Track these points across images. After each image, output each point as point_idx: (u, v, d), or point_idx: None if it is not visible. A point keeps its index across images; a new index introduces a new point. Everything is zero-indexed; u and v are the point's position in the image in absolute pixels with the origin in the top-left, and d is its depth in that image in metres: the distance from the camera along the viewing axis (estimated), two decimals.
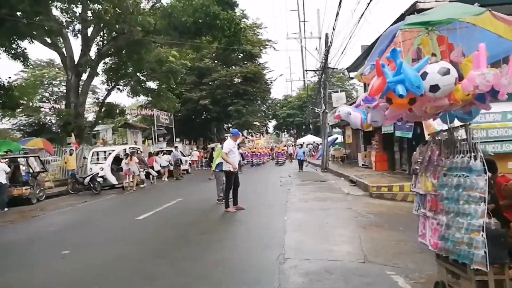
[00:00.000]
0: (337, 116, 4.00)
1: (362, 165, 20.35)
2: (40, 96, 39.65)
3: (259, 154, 31.72)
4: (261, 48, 44.27)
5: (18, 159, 14.57)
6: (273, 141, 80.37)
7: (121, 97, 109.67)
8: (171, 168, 21.53)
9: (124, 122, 31.98)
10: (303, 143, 36.89)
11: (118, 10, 16.97)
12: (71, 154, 17.86)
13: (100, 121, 26.20)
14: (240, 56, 43.53)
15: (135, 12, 16.68)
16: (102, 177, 16.89)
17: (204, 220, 8.51)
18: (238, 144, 41.62)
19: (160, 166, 20.72)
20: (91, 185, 15.90)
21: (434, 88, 3.00)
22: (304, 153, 25.24)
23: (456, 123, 3.90)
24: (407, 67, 3.06)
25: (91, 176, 16.12)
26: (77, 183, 16.45)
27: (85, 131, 23.72)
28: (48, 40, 22.51)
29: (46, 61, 41.46)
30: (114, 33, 20.61)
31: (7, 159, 13.06)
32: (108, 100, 26.65)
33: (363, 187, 12.65)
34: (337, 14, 14.93)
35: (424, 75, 3.03)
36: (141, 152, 21.53)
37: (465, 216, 3.16)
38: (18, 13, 18.12)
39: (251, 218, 8.38)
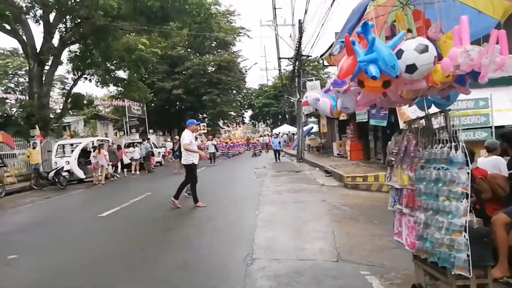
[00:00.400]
0: (305, 103, 3.58)
1: (338, 154, 20.20)
2: (5, 87, 37.81)
3: (233, 145, 31.14)
4: (235, 36, 43.50)
5: None
6: (250, 131, 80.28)
7: (93, 88, 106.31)
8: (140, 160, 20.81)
9: (94, 114, 30.76)
10: (279, 133, 36.52)
11: None
12: (34, 148, 16.90)
13: (67, 113, 25.02)
14: (213, 44, 42.66)
15: None
16: (68, 171, 16.10)
17: (171, 216, 8.02)
18: (213, 135, 40.49)
19: (131, 159, 19.96)
20: (56, 180, 15.09)
21: (411, 68, 2.60)
22: (280, 143, 24.76)
23: (433, 110, 3.57)
24: (380, 44, 2.65)
25: (55, 170, 15.30)
26: (41, 178, 15.60)
27: (51, 123, 22.65)
28: (7, 27, 21.22)
29: (9, 49, 39.48)
30: (77, 18, 19.47)
31: None
32: (80, 91, 25.51)
33: (338, 178, 12.42)
34: None
35: (399, 53, 2.63)
36: (112, 144, 20.73)
37: (445, 214, 2.81)
38: None
39: (221, 214, 7.94)
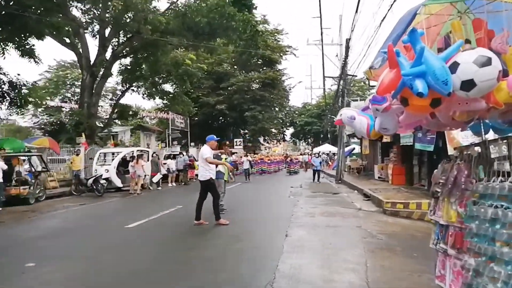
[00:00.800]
0: (338, 121, 3.19)
1: (379, 177, 19.29)
2: (62, 96, 40.04)
3: (269, 161, 30.35)
4: (281, 54, 43.61)
5: (20, 158, 14.22)
6: (290, 149, 79.63)
7: (141, 100, 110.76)
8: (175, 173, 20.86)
9: (138, 125, 31.64)
10: (320, 152, 35.63)
11: (127, 7, 16.42)
12: (77, 154, 17.45)
13: (114, 123, 25.86)
14: (259, 62, 42.96)
15: (146, 10, 16.17)
16: (107, 179, 16.43)
17: (197, 233, 7.75)
18: (254, 151, 40.15)
19: (167, 170, 20.06)
20: (94, 187, 15.40)
21: (468, 84, 2.17)
22: (321, 163, 23.47)
23: (490, 135, 3.06)
24: (430, 55, 2.24)
25: (94, 177, 15.63)
26: (80, 185, 15.98)
27: (97, 131, 23.45)
28: (67, 40, 22.45)
29: (70, 62, 41.82)
30: (128, 33, 20.21)
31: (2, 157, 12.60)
32: (129, 102, 26.44)
33: (376, 202, 11.69)
34: (356, 10, 14.05)
35: (454, 67, 2.20)
36: (156, 155, 21.01)
37: (503, 264, 2.29)
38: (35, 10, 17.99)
39: (249, 234, 7.57)
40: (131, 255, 6.22)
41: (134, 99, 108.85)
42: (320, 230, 7.94)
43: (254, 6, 21.80)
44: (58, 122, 36.94)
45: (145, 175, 18.14)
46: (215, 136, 9.01)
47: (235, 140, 31.49)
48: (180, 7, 18.49)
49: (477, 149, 2.88)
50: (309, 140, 66.71)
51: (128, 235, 7.78)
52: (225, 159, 10.60)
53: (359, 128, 3.00)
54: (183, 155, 21.76)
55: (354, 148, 32.80)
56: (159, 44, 21.20)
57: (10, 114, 20.36)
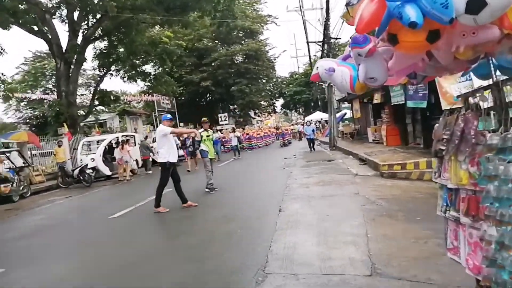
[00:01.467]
0: (315, 76, 2.65)
1: (373, 140, 18.89)
2: (44, 88, 38.83)
3: (258, 136, 28.83)
4: (262, 24, 42.40)
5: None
6: (283, 120, 78.97)
7: (127, 85, 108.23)
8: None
9: (122, 109, 30.81)
10: (311, 120, 34.91)
11: None
12: (59, 146, 16.79)
13: (96, 109, 25.04)
14: (240, 34, 41.80)
15: None
16: (93, 168, 15.89)
17: (184, 217, 7.29)
18: (245, 125, 38.83)
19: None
20: (81, 177, 14.86)
21: (477, 4, 1.62)
22: (313, 131, 21.90)
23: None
24: None
25: (79, 168, 15.07)
26: (66, 176, 15.44)
27: (79, 120, 22.69)
28: (35, 28, 21.35)
29: (46, 52, 40.30)
30: (96, 14, 19.17)
31: None
32: (115, 88, 25.55)
33: (373, 166, 11.30)
34: None
35: None
36: (144, 138, 20.45)
37: None
38: None
39: (238, 213, 7.11)
40: (113, 249, 5.76)
41: (119, 84, 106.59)
42: (315, 201, 7.50)
43: None
44: (42, 115, 35.97)
45: (134, 160, 17.72)
46: (169, 115, 8.29)
47: (219, 115, 30.43)
48: None
49: (486, 94, 2.36)
50: (300, 109, 66.02)
51: (112, 226, 7.31)
52: (207, 136, 10.00)
53: (341, 82, 2.46)
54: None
55: (345, 113, 32.33)
56: (132, 23, 20.23)
57: None
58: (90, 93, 33.75)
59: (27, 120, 40.63)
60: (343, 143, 21.35)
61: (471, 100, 2.47)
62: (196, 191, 9.80)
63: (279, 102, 63.69)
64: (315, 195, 8.07)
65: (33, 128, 38.18)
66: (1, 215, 10.31)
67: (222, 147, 24.34)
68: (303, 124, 34.51)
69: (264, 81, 45.81)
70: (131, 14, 17.96)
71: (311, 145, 20.80)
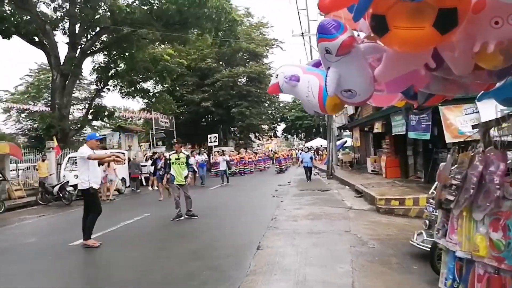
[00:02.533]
0: (273, 87, 1.91)
1: (372, 171, 18.08)
2: (46, 100, 38.53)
3: (249, 160, 27.25)
4: (267, 47, 42.25)
5: None
6: (284, 145, 78.20)
7: (130, 102, 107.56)
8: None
9: (117, 126, 30.25)
10: (310, 146, 34.02)
11: None
12: (43, 160, 16.04)
13: (88, 124, 24.42)
14: (244, 56, 41.61)
15: None
16: (75, 186, 15.06)
17: (147, 251, 6.46)
18: (245, 148, 36.91)
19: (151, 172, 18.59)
20: (60, 195, 14.02)
21: None
22: (312, 158, 20.16)
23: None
24: None
25: (60, 184, 14.26)
26: (46, 193, 14.58)
27: (70, 134, 22.01)
28: (36, 39, 21.04)
29: None
30: (95, 27, 18.81)
31: None
32: (118, 104, 25.00)
33: (369, 199, 10.50)
34: None
35: None
36: (135, 157, 19.87)
37: None
38: None
39: (210, 249, 6.23)
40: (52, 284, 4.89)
41: (123, 101, 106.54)
42: (300, 238, 6.66)
43: None
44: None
45: (121, 179, 16.94)
46: (97, 134, 7.65)
47: (209, 136, 28.52)
48: None
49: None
50: (301, 135, 65.50)
51: (65, 256, 6.42)
52: (176, 159, 9.14)
53: (306, 97, 1.72)
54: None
55: (346, 141, 31.61)
56: (132, 39, 19.84)
57: None
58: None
59: (26, 132, 40.29)
60: (341, 172, 20.53)
61: (494, 132, 1.71)
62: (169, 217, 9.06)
63: (281, 127, 63.31)
64: (302, 231, 7.23)
65: (32, 140, 37.70)
66: None
67: (209, 171, 23.17)
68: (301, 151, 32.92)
69: (266, 104, 45.22)
70: (129, 28, 17.54)
71: (308, 174, 18.90)
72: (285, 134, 68.86)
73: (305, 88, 1.69)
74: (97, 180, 7.15)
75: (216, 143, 28.66)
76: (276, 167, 27.10)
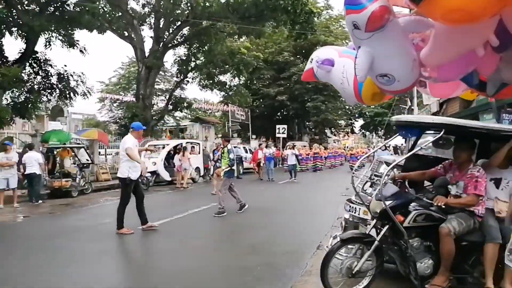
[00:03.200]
0: (307, 74, 1.65)
1: None
2: (134, 91, 41.61)
3: (319, 156, 25.16)
4: (347, 41, 40.90)
5: (70, 150, 14.24)
6: (362, 142, 75.25)
7: (209, 94, 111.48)
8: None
9: (196, 117, 31.50)
10: (389, 145, 30.85)
11: None
12: None
13: (169, 114, 25.70)
14: None
15: None
16: (154, 172, 15.98)
17: (208, 245, 6.53)
18: (320, 143, 33.78)
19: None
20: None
21: None
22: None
23: None
24: None
25: None
26: None
27: (151, 123, 23.39)
28: (126, 34, 22.65)
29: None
30: (176, 21, 19.70)
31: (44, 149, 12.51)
32: (203, 97, 26.15)
33: None
34: None
35: None
36: (204, 147, 20.50)
37: None
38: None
39: (270, 245, 6.10)
40: (108, 274, 5.08)
41: (203, 93, 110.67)
42: None
43: None
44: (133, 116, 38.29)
45: (195, 168, 17.56)
46: (141, 125, 7.46)
47: (277, 126, 26.98)
48: None
49: None
50: (380, 132, 62.53)
51: (131, 239, 6.76)
52: (222, 153, 9.04)
53: (339, 83, 1.46)
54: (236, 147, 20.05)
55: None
56: (211, 32, 20.40)
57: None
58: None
59: (117, 120, 43.79)
60: None
61: None
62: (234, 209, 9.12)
63: (359, 123, 61.01)
64: None
65: (122, 128, 40.92)
66: (49, 209, 10.46)
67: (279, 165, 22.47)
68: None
69: (343, 99, 43.98)
70: (208, 22, 18.07)
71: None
72: (363, 131, 66.29)
73: (340, 74, 1.44)
74: (137, 172, 7.06)
75: (285, 135, 27.60)
76: (351, 165, 24.74)
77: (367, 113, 55.36)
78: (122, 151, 7.15)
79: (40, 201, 11.46)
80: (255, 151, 20.95)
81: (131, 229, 7.07)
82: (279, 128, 26.85)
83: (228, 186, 9.07)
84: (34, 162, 11.29)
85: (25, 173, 11.30)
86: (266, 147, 20.39)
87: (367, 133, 68.82)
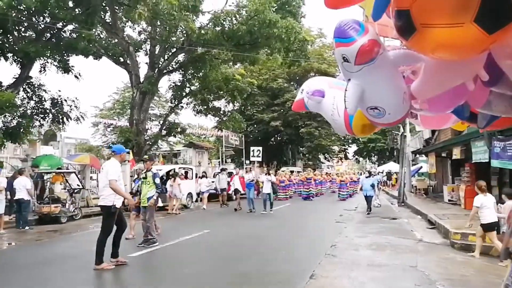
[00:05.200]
0: (298, 104, 1.65)
1: (449, 200, 16.55)
2: (128, 116, 41.69)
3: (307, 181, 23.18)
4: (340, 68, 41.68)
5: (61, 175, 14.05)
6: (356, 168, 75.43)
7: (203, 120, 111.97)
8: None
9: (189, 142, 31.48)
10: (376, 171, 30.34)
11: (156, 15, 15.67)
12: None
13: (162, 139, 25.62)
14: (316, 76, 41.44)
15: (176, 19, 15.46)
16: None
17: (199, 273, 6.36)
18: (314, 169, 32.64)
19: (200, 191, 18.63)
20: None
21: None
22: (374, 186, 16.12)
23: None
24: None
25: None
26: None
27: (145, 148, 23.29)
28: (121, 59, 22.88)
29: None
30: (171, 48, 19.98)
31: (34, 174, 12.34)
32: (194, 122, 26.14)
33: (443, 232, 9.54)
34: None
35: None
36: (204, 173, 20.26)
37: None
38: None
39: (262, 274, 5.98)
40: None
41: (197, 118, 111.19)
42: (359, 270, 6.14)
43: (302, 15, 20.46)
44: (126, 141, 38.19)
45: (187, 194, 17.39)
46: (124, 148, 7.10)
47: (252, 148, 24.00)
48: (216, 15, 17.54)
49: None
50: (373, 158, 62.84)
51: (123, 267, 6.59)
52: (150, 177, 8.34)
53: (330, 114, 1.47)
54: (223, 173, 19.51)
55: (421, 167, 29.57)
56: (205, 59, 20.66)
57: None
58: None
59: (110, 145, 43.55)
60: (414, 200, 19.14)
61: None
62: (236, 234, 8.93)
63: (352, 149, 61.31)
64: (362, 262, 6.69)
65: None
66: (36, 236, 10.23)
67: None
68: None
69: None
70: (202, 49, 18.32)
71: (369, 204, 15.20)
72: (356, 157, 66.58)
73: (330, 105, 1.45)
74: (121, 198, 6.50)
75: (260, 159, 24.30)
76: (340, 193, 22.85)
77: (360, 139, 55.87)
78: (104, 178, 6.45)
79: (27, 227, 11.22)
80: (231, 177, 18.91)
81: (124, 258, 6.68)
82: (253, 151, 23.50)
83: (154, 213, 8.51)
84: (22, 187, 11.11)
85: (14, 198, 11.11)
86: (246, 172, 19.33)
87: (361, 158, 69.21)
